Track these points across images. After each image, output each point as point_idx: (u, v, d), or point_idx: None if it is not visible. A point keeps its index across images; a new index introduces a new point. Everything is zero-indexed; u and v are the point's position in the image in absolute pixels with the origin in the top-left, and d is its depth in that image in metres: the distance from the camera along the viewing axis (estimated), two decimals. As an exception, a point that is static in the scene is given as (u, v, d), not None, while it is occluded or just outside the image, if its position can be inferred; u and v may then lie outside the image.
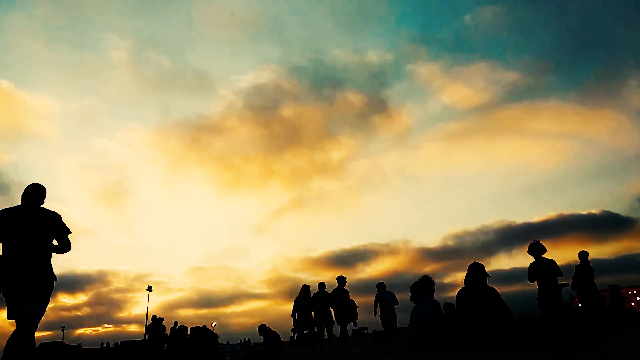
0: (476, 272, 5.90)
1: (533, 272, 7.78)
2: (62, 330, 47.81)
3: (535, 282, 7.75)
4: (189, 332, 11.37)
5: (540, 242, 7.82)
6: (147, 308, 35.62)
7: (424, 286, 6.45)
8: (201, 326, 10.91)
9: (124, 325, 78.91)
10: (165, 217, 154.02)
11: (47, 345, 15.15)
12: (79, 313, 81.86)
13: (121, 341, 28.80)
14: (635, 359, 3.23)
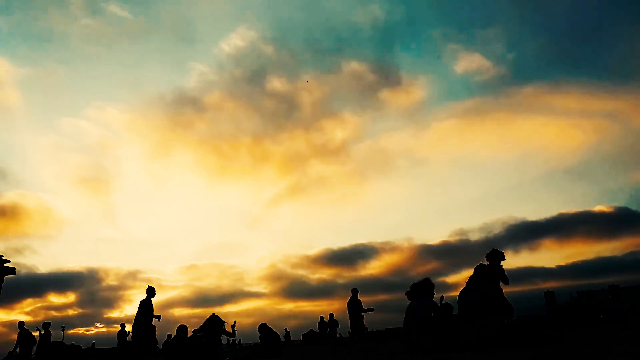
0: (480, 273, 5.95)
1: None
2: (62, 331, 47.76)
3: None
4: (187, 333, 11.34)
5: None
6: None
7: (423, 288, 6.51)
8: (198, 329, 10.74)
9: (116, 326, 77.35)
10: (150, 207, 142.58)
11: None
12: (70, 313, 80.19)
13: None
14: (634, 359, 3.26)
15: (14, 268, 10.84)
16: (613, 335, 6.45)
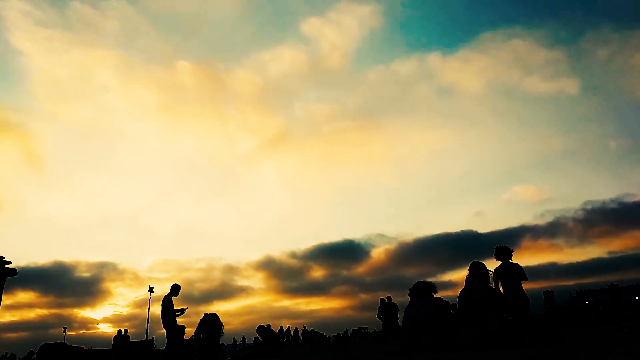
0: (477, 272, 5.97)
1: (498, 277, 7.33)
2: (64, 331, 47.64)
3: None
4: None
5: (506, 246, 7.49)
6: (149, 309, 35.47)
7: (425, 288, 6.59)
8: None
9: (91, 325, 70.48)
10: (93, 164, 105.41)
11: (49, 346, 15.18)
12: (44, 312, 73.56)
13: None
14: (634, 358, 3.29)
15: (16, 269, 10.85)
16: (613, 335, 6.48)
